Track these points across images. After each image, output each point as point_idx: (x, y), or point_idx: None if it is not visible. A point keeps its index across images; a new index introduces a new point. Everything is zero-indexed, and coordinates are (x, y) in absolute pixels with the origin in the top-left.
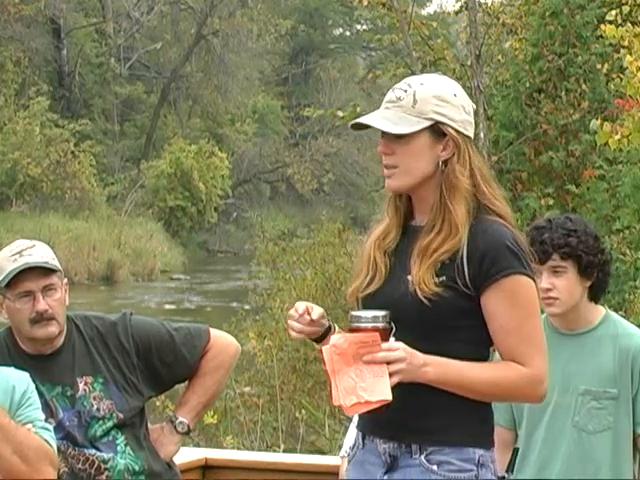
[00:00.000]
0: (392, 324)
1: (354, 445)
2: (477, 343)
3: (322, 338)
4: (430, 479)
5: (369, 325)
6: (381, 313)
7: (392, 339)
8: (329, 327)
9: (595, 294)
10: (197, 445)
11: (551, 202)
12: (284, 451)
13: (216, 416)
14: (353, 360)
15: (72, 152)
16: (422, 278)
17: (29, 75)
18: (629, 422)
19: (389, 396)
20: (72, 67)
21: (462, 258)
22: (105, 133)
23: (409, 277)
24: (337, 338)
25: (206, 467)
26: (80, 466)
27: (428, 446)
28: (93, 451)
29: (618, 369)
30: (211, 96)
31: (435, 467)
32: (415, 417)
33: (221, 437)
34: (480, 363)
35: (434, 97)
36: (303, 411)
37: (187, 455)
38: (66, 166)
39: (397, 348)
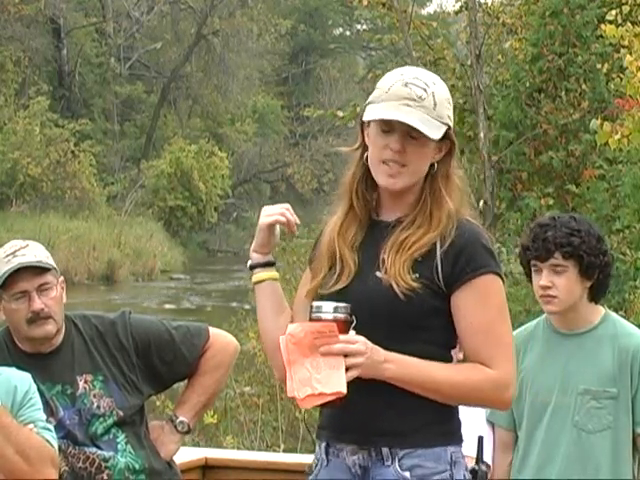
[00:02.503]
0: (353, 317)
1: (316, 463)
2: (442, 345)
3: (260, 266)
4: None
5: (330, 316)
6: (342, 304)
7: (352, 332)
8: (273, 263)
9: (595, 295)
10: (197, 445)
11: (551, 202)
12: (284, 451)
13: (216, 416)
14: (309, 351)
15: (72, 152)
16: (398, 273)
17: (29, 75)
18: (629, 421)
19: (344, 389)
20: (72, 67)
21: (437, 255)
22: (105, 133)
23: (378, 274)
24: (294, 327)
25: (206, 467)
26: (81, 465)
27: (399, 450)
28: (94, 449)
29: (617, 369)
30: (211, 96)
31: (407, 474)
32: (384, 419)
33: (221, 437)
34: (444, 364)
35: (446, 100)
36: (303, 411)
37: (187, 455)
38: (66, 166)
39: (356, 341)
